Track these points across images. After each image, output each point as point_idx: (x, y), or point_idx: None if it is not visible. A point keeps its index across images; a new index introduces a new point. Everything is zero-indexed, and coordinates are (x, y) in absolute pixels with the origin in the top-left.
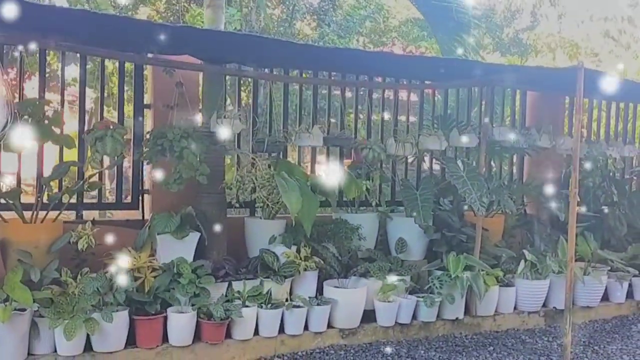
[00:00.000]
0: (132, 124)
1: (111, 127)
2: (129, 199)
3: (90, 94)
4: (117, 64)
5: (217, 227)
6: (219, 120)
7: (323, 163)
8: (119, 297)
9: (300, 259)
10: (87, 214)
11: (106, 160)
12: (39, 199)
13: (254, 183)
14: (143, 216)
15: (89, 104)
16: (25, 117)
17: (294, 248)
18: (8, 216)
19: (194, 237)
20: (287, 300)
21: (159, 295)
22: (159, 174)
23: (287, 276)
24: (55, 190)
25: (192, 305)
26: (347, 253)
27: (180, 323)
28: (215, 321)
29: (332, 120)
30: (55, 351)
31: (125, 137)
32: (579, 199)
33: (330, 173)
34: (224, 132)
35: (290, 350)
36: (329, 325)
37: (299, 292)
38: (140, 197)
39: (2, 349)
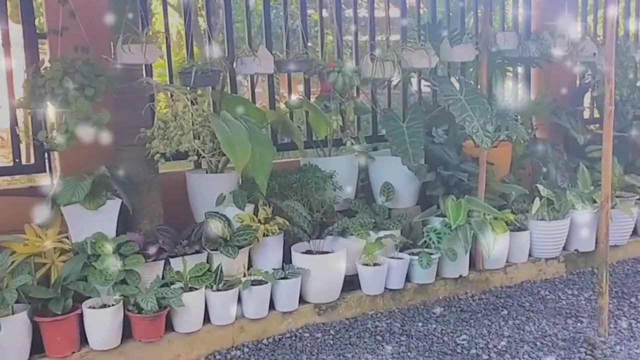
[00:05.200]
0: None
1: None
2: (32, 160)
3: None
4: None
5: (147, 189)
6: (124, 46)
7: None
8: (9, 297)
9: (259, 221)
10: None
11: None
12: None
13: (181, 129)
14: (52, 181)
15: None
16: None
17: (249, 208)
18: None
19: (113, 206)
20: (244, 276)
21: (69, 286)
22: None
23: (243, 245)
24: None
25: (118, 295)
26: (320, 207)
27: (101, 321)
28: (148, 314)
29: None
30: None
31: None
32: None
33: (293, 106)
34: (133, 62)
35: (253, 338)
36: (302, 301)
37: (260, 263)
38: (46, 157)
39: None
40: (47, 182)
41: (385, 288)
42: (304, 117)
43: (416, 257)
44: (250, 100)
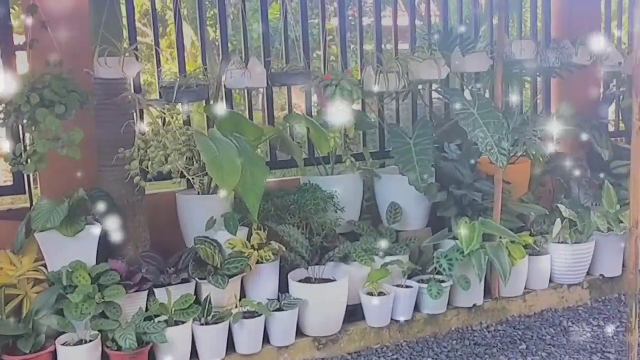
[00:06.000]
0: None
1: None
2: (10, 181)
3: None
4: None
5: (131, 213)
6: (100, 60)
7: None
8: None
9: (252, 247)
10: None
11: None
12: None
13: (164, 149)
14: (31, 203)
15: None
16: None
17: (242, 233)
18: None
19: (92, 232)
20: (236, 307)
21: (42, 321)
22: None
23: (234, 274)
24: None
25: (96, 330)
26: (321, 231)
27: (77, 359)
28: (127, 351)
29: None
30: None
31: None
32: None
33: (292, 121)
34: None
35: None
36: (299, 335)
37: (254, 293)
38: (26, 178)
39: None
40: (27, 204)
41: (391, 319)
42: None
43: (425, 286)
44: (247, 116)
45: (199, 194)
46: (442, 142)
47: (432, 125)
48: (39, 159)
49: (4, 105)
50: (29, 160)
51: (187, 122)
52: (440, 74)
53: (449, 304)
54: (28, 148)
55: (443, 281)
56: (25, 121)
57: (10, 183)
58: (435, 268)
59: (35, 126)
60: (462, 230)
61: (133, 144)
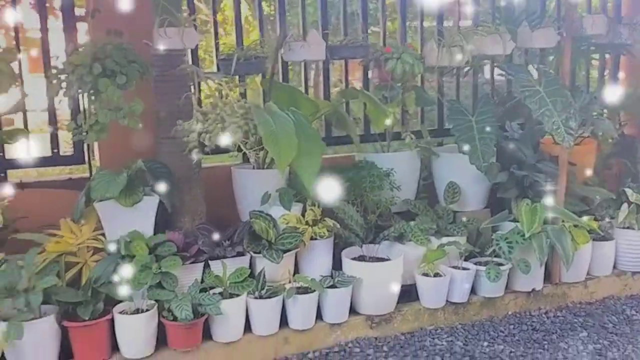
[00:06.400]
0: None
1: None
2: (70, 150)
3: None
4: None
5: (188, 185)
6: (160, 30)
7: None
8: (34, 300)
9: (306, 223)
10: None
11: None
12: None
13: (222, 122)
14: (91, 173)
15: None
16: None
17: (296, 208)
18: None
19: (150, 203)
20: (289, 282)
21: (100, 289)
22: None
23: (288, 249)
24: None
25: (152, 299)
26: (376, 209)
27: (133, 327)
28: (183, 322)
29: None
30: None
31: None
32: None
33: (349, 96)
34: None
35: (298, 351)
36: (352, 312)
37: (307, 269)
38: (85, 148)
39: None
40: (86, 174)
41: (447, 301)
42: (362, 108)
43: (483, 268)
44: (303, 89)
45: (253, 168)
46: (503, 121)
47: (494, 103)
48: (100, 129)
49: (66, 75)
50: (91, 130)
51: (243, 96)
52: (505, 49)
53: (506, 287)
54: (89, 118)
55: (501, 264)
56: (87, 91)
57: (69, 153)
58: (494, 250)
59: (96, 96)
60: (523, 213)
61: (190, 116)
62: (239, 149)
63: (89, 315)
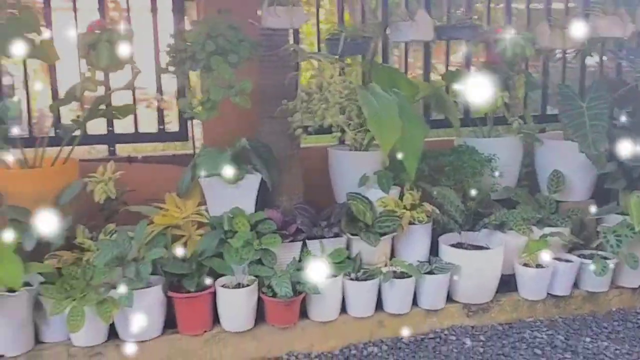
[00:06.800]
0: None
1: (108, 28)
2: (175, 127)
3: None
4: None
5: (288, 165)
6: (270, 9)
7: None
8: (144, 270)
9: (405, 207)
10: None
11: None
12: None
13: (326, 102)
14: (194, 150)
15: None
16: None
17: (394, 192)
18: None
19: (252, 181)
20: (385, 266)
21: (204, 262)
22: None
23: (385, 233)
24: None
25: (252, 275)
26: (476, 195)
27: (234, 301)
28: (282, 298)
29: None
30: (70, 338)
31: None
32: None
33: (453, 78)
34: (278, 26)
35: (393, 335)
36: (449, 300)
37: (404, 254)
38: (189, 125)
39: None
40: (189, 151)
41: (547, 293)
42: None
43: (588, 262)
44: (403, 70)
45: (350, 149)
46: (611, 108)
47: (607, 89)
48: (211, 107)
49: (178, 52)
50: (202, 108)
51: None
52: (625, 30)
53: (611, 282)
54: (199, 96)
55: (607, 257)
56: (199, 69)
57: (174, 130)
58: (600, 243)
59: (208, 74)
60: (633, 205)
61: (293, 96)
62: (342, 130)
63: (194, 287)
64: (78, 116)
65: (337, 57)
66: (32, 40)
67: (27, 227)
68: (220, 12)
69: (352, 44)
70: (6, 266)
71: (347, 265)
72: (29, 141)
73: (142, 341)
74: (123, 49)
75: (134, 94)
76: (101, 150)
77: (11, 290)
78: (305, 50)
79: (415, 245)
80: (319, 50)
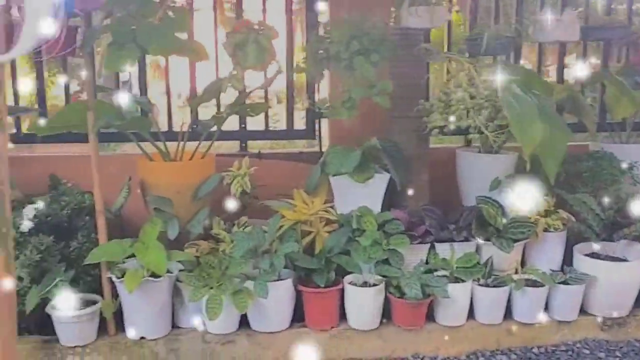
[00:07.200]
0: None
1: (256, 27)
2: (302, 125)
3: None
4: None
5: (416, 165)
6: (411, 9)
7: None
8: (278, 263)
9: (540, 213)
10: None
11: None
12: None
13: (465, 103)
14: (321, 148)
15: None
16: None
17: (529, 196)
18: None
19: (381, 180)
20: (516, 273)
21: (333, 259)
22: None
23: (518, 239)
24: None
25: (379, 275)
26: (614, 204)
27: (362, 299)
28: (410, 300)
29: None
30: (204, 325)
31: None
32: None
33: (589, 81)
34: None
35: (521, 344)
36: (582, 311)
37: (536, 262)
38: (317, 123)
39: (139, 320)
40: (315, 149)
41: None
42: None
43: None
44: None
45: (479, 151)
46: None
47: None
48: (351, 106)
49: (316, 52)
50: (343, 107)
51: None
52: None
53: None
54: (339, 94)
55: None
56: (341, 68)
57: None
58: None
59: (350, 73)
60: None
61: (423, 96)
62: (479, 132)
63: (323, 283)
64: (217, 112)
65: (476, 57)
66: (182, 40)
67: (170, 216)
68: (350, 12)
69: (496, 44)
70: (152, 253)
71: (477, 270)
72: (167, 135)
73: (272, 332)
74: (269, 49)
75: (266, 93)
76: (228, 146)
77: (155, 276)
78: (440, 51)
79: (548, 254)
80: (448, 50)
